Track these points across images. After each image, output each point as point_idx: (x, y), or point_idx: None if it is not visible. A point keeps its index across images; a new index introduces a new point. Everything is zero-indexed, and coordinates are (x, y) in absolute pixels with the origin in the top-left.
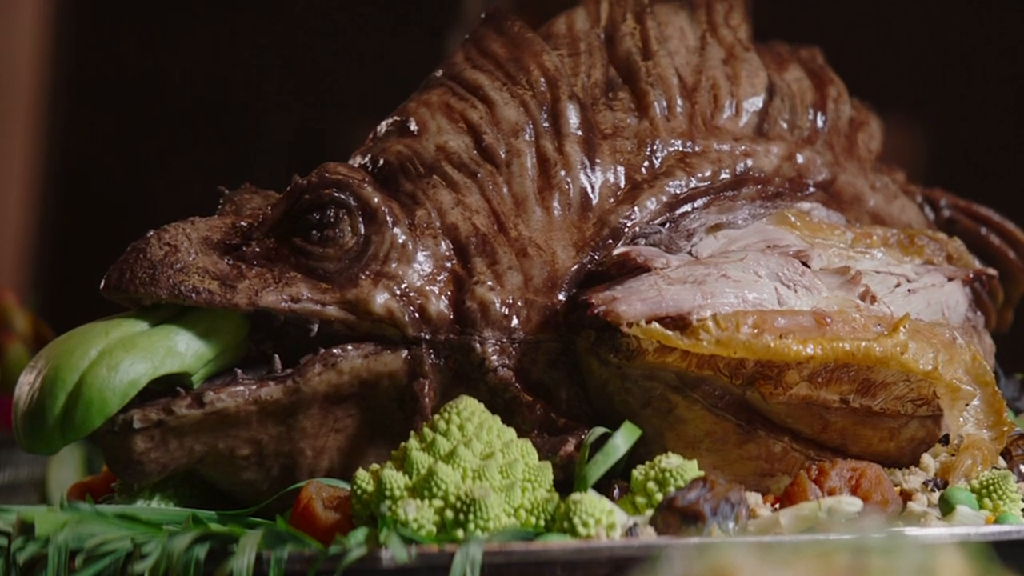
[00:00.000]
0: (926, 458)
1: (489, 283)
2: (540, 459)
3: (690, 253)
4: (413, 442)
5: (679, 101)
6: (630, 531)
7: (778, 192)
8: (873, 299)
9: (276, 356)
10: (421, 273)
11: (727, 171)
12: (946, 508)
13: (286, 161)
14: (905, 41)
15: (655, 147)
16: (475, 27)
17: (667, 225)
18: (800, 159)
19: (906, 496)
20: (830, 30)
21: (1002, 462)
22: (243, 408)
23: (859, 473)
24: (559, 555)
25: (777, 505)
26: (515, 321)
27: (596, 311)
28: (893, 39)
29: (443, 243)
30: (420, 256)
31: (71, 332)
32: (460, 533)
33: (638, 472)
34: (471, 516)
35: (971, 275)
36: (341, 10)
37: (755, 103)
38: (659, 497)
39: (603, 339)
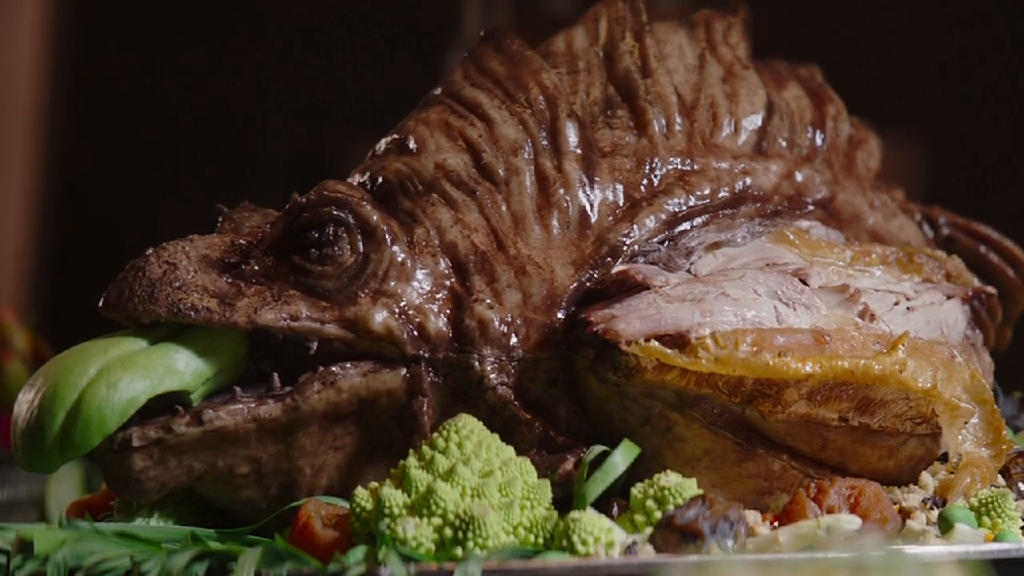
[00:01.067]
0: (925, 476)
1: (488, 301)
2: (539, 477)
3: (689, 271)
4: (412, 460)
5: (678, 119)
6: (629, 549)
7: (777, 210)
8: (872, 317)
9: (275, 374)
10: (420, 291)
11: (726, 189)
12: (945, 526)
13: (285, 179)
14: (904, 59)
15: (654, 165)
16: (474, 45)
17: (666, 243)
18: (799, 177)
19: (905, 514)
20: (829, 48)
21: (1001, 480)
22: (242, 426)
23: (858, 491)
24: (558, 573)
25: (776, 523)
26: (514, 339)
27: (595, 329)
28: (892, 57)
29: (442, 261)
30: (419, 274)
31: (70, 350)
32: (459, 551)
33: (637, 490)
34: (470, 534)
35: (970, 293)
36: (340, 28)
37: (754, 121)
38: (658, 515)
39: (602, 357)
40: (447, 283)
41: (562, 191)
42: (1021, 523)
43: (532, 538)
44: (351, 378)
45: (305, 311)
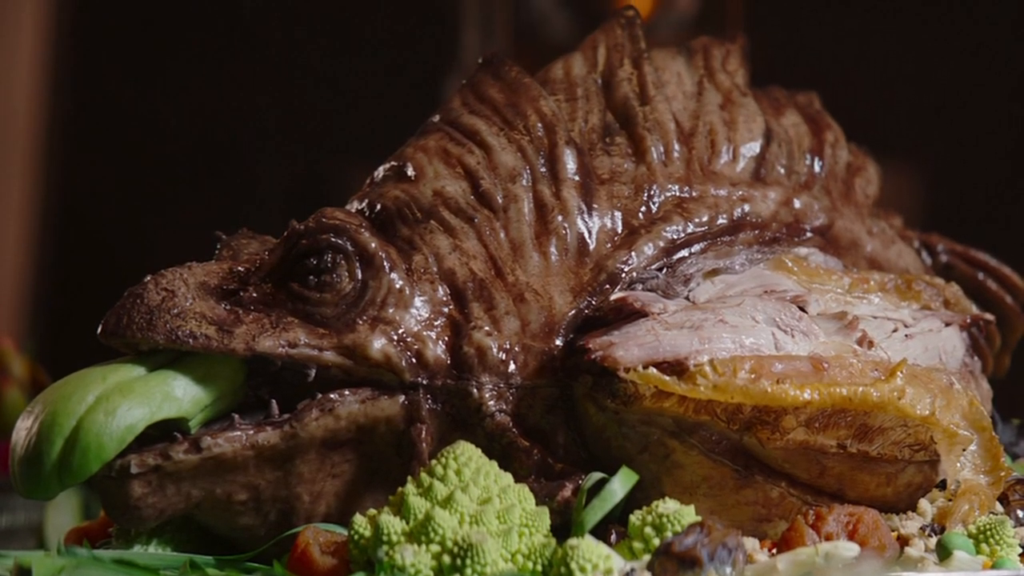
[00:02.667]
0: (923, 503)
1: (486, 328)
2: (537, 504)
3: (687, 298)
4: (410, 487)
5: (676, 146)
6: None
7: (775, 237)
8: (870, 344)
9: (273, 401)
10: (418, 318)
11: (724, 216)
12: (943, 553)
13: (283, 206)
14: (902, 86)
15: (652, 192)
16: (472, 72)
17: (664, 270)
18: (797, 204)
19: (903, 541)
20: (827, 75)
21: (999, 507)
22: (240, 453)
23: (856, 518)
24: None
25: (774, 550)
26: (512, 366)
27: (593, 356)
28: (890, 84)
29: (440, 288)
30: (417, 301)
31: (68, 377)
32: None
33: (635, 517)
34: (468, 561)
35: (968, 320)
36: (338, 54)
37: (752, 148)
38: (656, 542)
39: (600, 384)
40: (445, 310)
41: (560, 218)
42: (1019, 550)
43: (530, 565)
44: (349, 405)
45: (303, 338)
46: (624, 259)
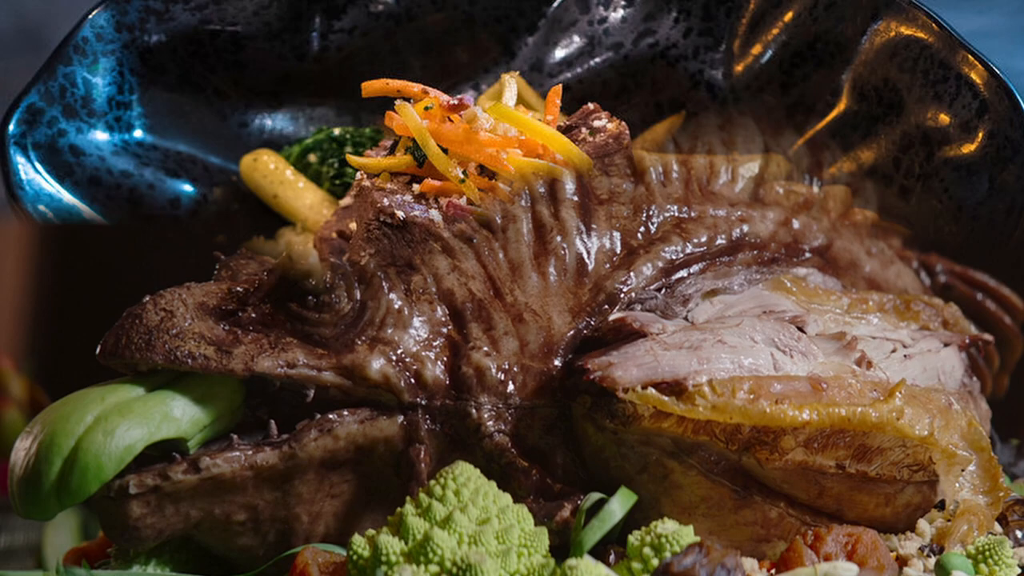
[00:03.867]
0: (922, 523)
1: (485, 348)
2: (536, 525)
3: (686, 319)
4: (409, 507)
5: (675, 166)
6: None
7: (774, 258)
8: (869, 365)
9: (272, 422)
10: (417, 338)
11: (723, 236)
12: (942, 573)
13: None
14: None
15: (651, 212)
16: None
17: (663, 291)
18: (796, 225)
19: (902, 561)
20: None
21: (998, 528)
22: (239, 474)
23: (855, 538)
24: None
25: (773, 571)
26: (511, 387)
27: (592, 376)
28: None
29: (439, 308)
30: (416, 321)
31: (67, 397)
32: None
33: (634, 538)
34: None
35: (967, 341)
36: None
37: (751, 168)
38: (655, 563)
39: (599, 404)
40: (444, 330)
41: (559, 238)
42: (1018, 570)
43: None
44: (348, 426)
45: (302, 358)
46: (623, 279)
